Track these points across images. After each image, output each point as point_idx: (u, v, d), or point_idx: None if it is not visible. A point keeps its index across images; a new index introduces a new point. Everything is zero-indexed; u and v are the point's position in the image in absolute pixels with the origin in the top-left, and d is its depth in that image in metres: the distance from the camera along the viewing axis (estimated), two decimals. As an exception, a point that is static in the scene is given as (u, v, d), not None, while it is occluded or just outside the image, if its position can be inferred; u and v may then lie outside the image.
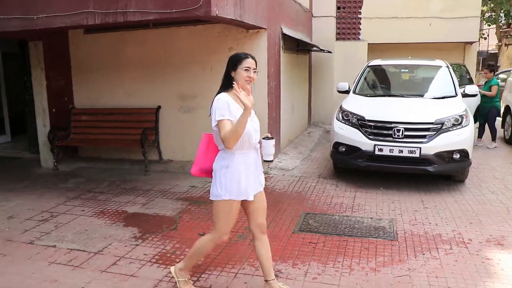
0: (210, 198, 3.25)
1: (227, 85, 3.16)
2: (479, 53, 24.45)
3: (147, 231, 4.88)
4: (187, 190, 6.34)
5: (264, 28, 7.12)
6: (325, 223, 5.07)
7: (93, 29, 7.80)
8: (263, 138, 3.20)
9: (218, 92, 3.16)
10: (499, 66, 22.96)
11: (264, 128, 7.34)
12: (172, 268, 3.63)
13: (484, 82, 9.71)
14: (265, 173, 7.09)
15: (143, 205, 5.75)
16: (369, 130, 6.27)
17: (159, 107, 7.81)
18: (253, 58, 3.17)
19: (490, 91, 9.17)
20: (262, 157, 3.24)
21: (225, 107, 3.01)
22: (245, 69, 3.11)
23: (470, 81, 9.95)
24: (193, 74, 7.56)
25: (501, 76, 15.46)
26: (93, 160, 8.18)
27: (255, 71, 3.15)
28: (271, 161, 3.24)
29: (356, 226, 4.99)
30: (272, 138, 3.18)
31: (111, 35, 7.81)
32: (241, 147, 3.12)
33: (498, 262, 4.12)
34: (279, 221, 5.15)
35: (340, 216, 5.27)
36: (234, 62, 3.14)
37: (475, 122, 9.45)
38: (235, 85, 3.02)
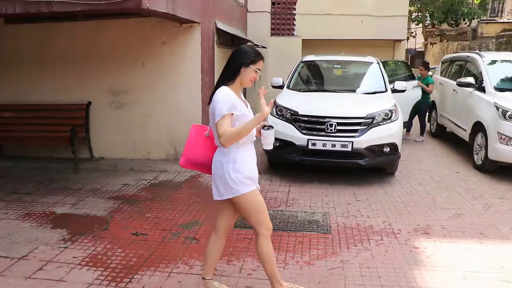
0: (225, 198, 3.07)
1: (230, 78, 3.02)
2: (408, 51, 25.47)
3: (77, 233, 4.67)
4: (120, 189, 6.14)
5: (197, 23, 7.01)
6: (260, 218, 5.06)
7: (16, 19, 7.36)
8: (263, 128, 3.12)
9: (219, 84, 3.02)
10: (427, 63, 24.07)
11: (198, 123, 7.23)
12: None
13: (418, 79, 10.15)
14: (201, 169, 6.99)
15: (73, 206, 5.50)
16: (302, 125, 6.33)
17: (90, 102, 7.50)
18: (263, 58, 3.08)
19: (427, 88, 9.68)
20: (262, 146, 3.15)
21: (231, 102, 2.89)
22: (256, 70, 3.04)
23: (411, 77, 10.32)
24: (125, 69, 7.33)
25: (429, 73, 16.12)
26: (18, 159, 7.74)
27: (259, 72, 3.08)
28: (271, 149, 3.13)
29: (290, 220, 5.03)
30: (272, 127, 3.14)
31: (37, 26, 7.40)
32: (245, 141, 3.07)
33: (424, 250, 4.28)
34: (214, 217, 5.05)
35: (274, 211, 5.29)
36: (249, 59, 3.01)
37: (413, 117, 9.85)
38: (261, 90, 3.00)
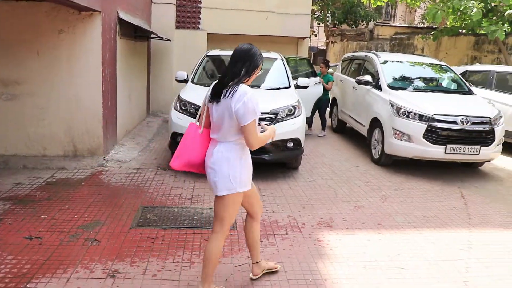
0: (218, 194, 3.08)
1: (247, 76, 3.04)
2: (311, 48, 26.33)
3: (-41, 238, 4.21)
4: (11, 188, 5.63)
5: (98, 11, 6.64)
6: (164, 216, 4.91)
7: None
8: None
9: (239, 82, 2.99)
10: (328, 60, 25.02)
11: (98, 118, 6.89)
12: (255, 276, 3.64)
13: (319, 76, 10.45)
14: (101, 166, 6.66)
15: (-45, 207, 4.96)
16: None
17: (-25, 94, 6.83)
18: None
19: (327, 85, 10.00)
20: None
21: (257, 106, 2.95)
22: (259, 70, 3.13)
23: (314, 74, 10.58)
24: (15, 58, 6.74)
25: (329, 70, 16.73)
26: None
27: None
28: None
29: (195, 217, 4.93)
30: (264, 129, 3.24)
31: None
32: None
33: (327, 243, 4.41)
34: (116, 216, 4.85)
35: (179, 208, 5.16)
36: (261, 60, 3.11)
37: (314, 113, 10.12)
38: None
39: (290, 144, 6.38)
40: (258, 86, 7.36)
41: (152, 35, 10.68)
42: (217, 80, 3.12)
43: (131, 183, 6.05)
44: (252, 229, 3.48)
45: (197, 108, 6.30)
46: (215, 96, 3.04)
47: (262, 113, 6.10)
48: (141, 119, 10.62)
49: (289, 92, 7.18)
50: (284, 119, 6.35)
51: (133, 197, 5.50)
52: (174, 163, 3.17)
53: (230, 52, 8.39)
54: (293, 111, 6.47)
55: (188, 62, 11.20)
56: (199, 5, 12.61)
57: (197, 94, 6.72)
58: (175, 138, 6.43)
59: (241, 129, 2.96)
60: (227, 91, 2.96)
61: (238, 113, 2.91)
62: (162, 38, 10.64)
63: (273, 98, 6.78)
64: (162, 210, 5.08)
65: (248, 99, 2.89)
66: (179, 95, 6.83)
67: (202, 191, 5.82)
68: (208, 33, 12.65)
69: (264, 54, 8.25)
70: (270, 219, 4.98)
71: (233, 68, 3.03)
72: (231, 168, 3.03)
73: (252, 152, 6.07)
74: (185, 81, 7.52)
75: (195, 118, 6.11)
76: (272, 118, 6.28)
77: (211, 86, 3.16)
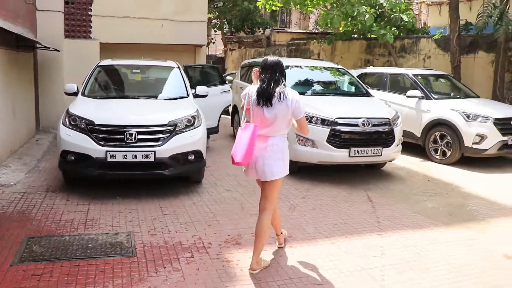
0: (275, 178, 3.88)
1: (284, 82, 3.88)
2: (209, 57, 26.10)
3: None
4: None
5: (-39, 17, 5.78)
6: (53, 247, 4.29)
7: None
8: None
9: (283, 86, 3.84)
10: (226, 69, 24.86)
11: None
12: (254, 271, 3.90)
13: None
14: (-25, 194, 5.78)
15: None
16: (100, 135, 5.71)
17: None
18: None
19: None
20: None
21: None
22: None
23: (222, 82, 10.24)
24: None
25: (228, 77, 16.62)
26: None
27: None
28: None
29: (90, 245, 4.36)
30: None
31: None
32: None
33: (237, 263, 4.07)
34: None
35: (71, 236, 4.55)
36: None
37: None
38: None
39: (191, 157, 6.07)
40: (155, 97, 7.03)
41: (38, 45, 9.74)
42: (261, 88, 3.85)
43: (15, 210, 5.31)
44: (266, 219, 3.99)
45: (88, 123, 5.79)
46: (267, 101, 3.81)
47: (159, 125, 5.90)
48: (30, 137, 9.63)
49: (188, 102, 6.90)
50: (184, 130, 6.04)
51: (16, 226, 4.79)
52: (242, 159, 3.78)
53: (124, 62, 8.06)
54: (192, 122, 6.19)
55: (80, 74, 10.28)
56: (90, 13, 11.79)
57: (88, 108, 6.24)
58: (65, 157, 5.85)
59: (298, 122, 3.91)
60: (280, 96, 3.79)
61: (297, 110, 3.82)
62: (49, 48, 9.75)
63: (170, 108, 6.48)
64: (50, 240, 4.45)
65: (299, 99, 3.84)
66: (68, 109, 6.28)
67: (97, 214, 5.24)
68: (100, 43, 11.88)
69: (160, 63, 8.12)
70: (173, 240, 4.55)
71: (274, 77, 3.85)
72: (286, 156, 3.96)
73: (150, 168, 5.65)
74: (76, 94, 6.95)
75: (86, 134, 5.65)
76: (171, 130, 5.91)
77: (254, 91, 3.89)
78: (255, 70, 4.06)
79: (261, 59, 9.74)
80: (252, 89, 3.97)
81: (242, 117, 4.07)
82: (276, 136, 3.89)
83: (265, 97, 3.82)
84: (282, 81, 3.85)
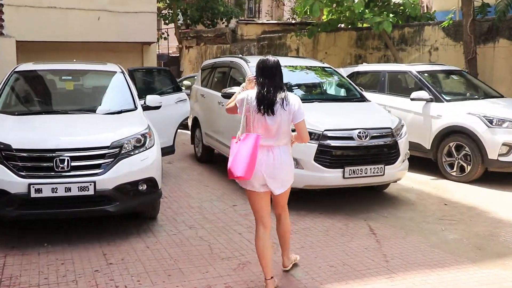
0: (289, 185, 4.64)
1: (283, 86, 4.52)
2: (160, 57, 26.00)
3: None
4: None
5: None
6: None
7: None
8: None
9: (284, 90, 4.47)
10: (182, 71, 24.80)
11: None
12: (287, 268, 5.02)
13: None
14: None
15: None
16: (20, 163, 5.54)
17: None
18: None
19: None
20: None
21: None
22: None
23: (177, 89, 10.09)
24: None
25: (185, 82, 16.52)
26: None
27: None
28: None
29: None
30: None
31: None
32: None
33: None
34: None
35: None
36: None
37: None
38: None
39: (143, 187, 5.97)
40: (93, 111, 7.03)
41: None
42: (261, 93, 4.35)
43: None
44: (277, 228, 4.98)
45: (3, 147, 5.65)
46: (269, 108, 4.32)
47: (99, 148, 5.83)
48: None
49: (136, 116, 6.86)
50: (132, 153, 5.95)
51: None
52: (245, 175, 4.25)
53: (51, 67, 7.89)
54: (143, 142, 6.11)
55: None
56: (0, 2, 11.52)
57: (4, 128, 6.14)
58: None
59: (297, 125, 4.46)
60: (283, 101, 4.36)
61: (297, 112, 4.41)
62: None
63: (114, 125, 6.43)
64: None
65: (300, 102, 4.49)
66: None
67: (17, 269, 5.02)
68: (17, 41, 11.65)
69: (98, 67, 8.03)
70: (122, 299, 4.36)
71: (274, 82, 4.40)
72: (292, 166, 4.64)
73: (89, 203, 5.82)
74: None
75: (1, 162, 5.42)
76: (115, 153, 5.81)
77: (254, 97, 4.38)
78: (250, 77, 4.67)
79: (228, 59, 9.83)
80: (250, 94, 4.44)
81: (241, 126, 4.53)
82: (281, 146, 4.45)
83: (266, 104, 4.33)
84: (282, 85, 4.45)
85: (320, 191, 7.45)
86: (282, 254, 4.98)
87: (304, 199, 7.40)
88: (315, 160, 6.78)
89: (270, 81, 4.36)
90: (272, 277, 4.48)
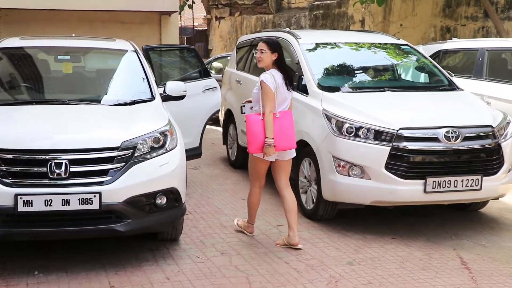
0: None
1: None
2: (183, 31, 26.19)
3: None
4: None
5: None
6: None
7: None
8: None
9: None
10: (211, 50, 24.99)
11: None
12: (300, 245, 6.57)
13: None
14: None
15: None
16: (3, 168, 5.66)
17: None
18: (265, 41, 6.59)
19: None
20: None
21: None
22: (257, 50, 6.65)
23: (205, 74, 10.11)
24: None
25: (216, 65, 16.65)
26: None
27: (261, 51, 6.51)
28: None
29: None
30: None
31: None
32: None
33: None
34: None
35: None
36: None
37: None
38: None
39: (162, 200, 6.03)
40: (97, 101, 7.15)
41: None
42: (283, 70, 6.61)
43: None
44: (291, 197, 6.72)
45: None
46: (291, 83, 6.71)
47: (106, 149, 5.91)
48: None
49: (154, 109, 6.97)
50: (148, 156, 6.00)
51: None
52: (294, 143, 6.63)
53: (43, 43, 8.10)
54: (162, 142, 6.16)
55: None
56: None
57: None
58: None
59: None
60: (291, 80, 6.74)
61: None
62: None
63: (125, 120, 6.54)
64: None
65: None
66: None
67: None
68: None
69: (104, 44, 8.23)
70: None
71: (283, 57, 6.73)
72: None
73: (93, 220, 5.91)
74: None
75: None
76: (126, 156, 5.89)
77: (279, 76, 6.52)
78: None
79: (272, 34, 9.85)
80: (273, 73, 6.46)
81: (274, 105, 6.40)
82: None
83: (289, 80, 6.62)
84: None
85: (392, 210, 7.46)
86: (291, 230, 6.53)
87: (370, 219, 7.45)
88: (386, 168, 6.78)
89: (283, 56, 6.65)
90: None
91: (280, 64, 6.57)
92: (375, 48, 9.07)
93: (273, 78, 6.38)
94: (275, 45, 6.58)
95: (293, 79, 8.18)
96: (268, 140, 6.29)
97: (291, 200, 6.59)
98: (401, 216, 7.58)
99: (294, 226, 6.50)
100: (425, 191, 6.75)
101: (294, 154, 6.66)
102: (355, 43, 9.08)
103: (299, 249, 6.43)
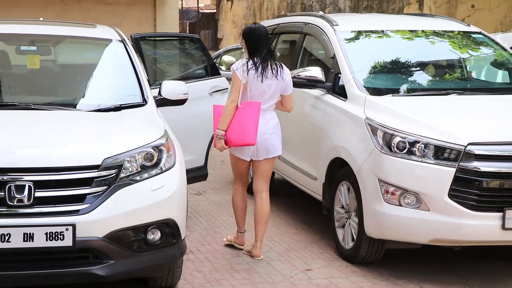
0: (278, 153, 7.78)
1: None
2: (184, 14, 26.33)
3: None
4: None
5: None
6: None
7: None
8: None
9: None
10: (221, 39, 25.12)
11: None
12: (260, 257, 7.64)
13: None
14: None
15: None
16: None
17: None
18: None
19: None
20: None
21: None
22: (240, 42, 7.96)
23: (213, 71, 10.13)
24: None
25: (226, 59, 16.67)
26: None
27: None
28: None
29: None
30: None
31: None
32: None
33: None
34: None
35: None
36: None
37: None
38: None
39: (155, 235, 6.06)
40: (72, 105, 7.21)
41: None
42: (259, 57, 7.39)
43: None
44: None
45: None
46: (266, 74, 7.35)
47: (83, 168, 5.90)
48: None
49: (145, 116, 7.06)
50: (137, 178, 6.03)
51: None
52: (252, 140, 7.27)
53: (5, 29, 8.28)
54: (156, 159, 6.19)
55: None
56: None
57: None
58: None
59: (286, 97, 7.76)
60: (277, 68, 7.48)
61: (289, 84, 7.68)
62: None
63: (108, 130, 6.64)
64: None
65: (289, 73, 7.81)
66: None
67: None
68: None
69: (82, 32, 8.39)
70: None
71: (269, 45, 7.64)
72: (279, 129, 7.68)
73: (65, 261, 5.94)
74: None
75: None
76: (109, 177, 5.90)
77: (250, 64, 7.37)
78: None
79: (300, 19, 9.92)
80: (250, 62, 7.37)
81: (239, 93, 7.36)
82: (270, 110, 7.55)
83: (263, 68, 7.36)
84: (274, 52, 7.68)
85: (459, 251, 7.37)
86: (256, 240, 7.65)
87: (429, 263, 7.46)
88: (450, 196, 6.75)
89: (266, 45, 7.56)
90: (245, 231, 7.89)
91: (253, 52, 7.48)
92: (437, 37, 9.11)
93: (245, 66, 7.35)
94: (244, 31, 7.83)
95: (328, 76, 8.23)
96: (218, 131, 7.38)
97: (264, 207, 7.61)
98: (472, 260, 7.57)
99: (261, 238, 7.62)
100: (503, 228, 6.69)
101: (274, 155, 7.63)
102: (410, 31, 9.13)
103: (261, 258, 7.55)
